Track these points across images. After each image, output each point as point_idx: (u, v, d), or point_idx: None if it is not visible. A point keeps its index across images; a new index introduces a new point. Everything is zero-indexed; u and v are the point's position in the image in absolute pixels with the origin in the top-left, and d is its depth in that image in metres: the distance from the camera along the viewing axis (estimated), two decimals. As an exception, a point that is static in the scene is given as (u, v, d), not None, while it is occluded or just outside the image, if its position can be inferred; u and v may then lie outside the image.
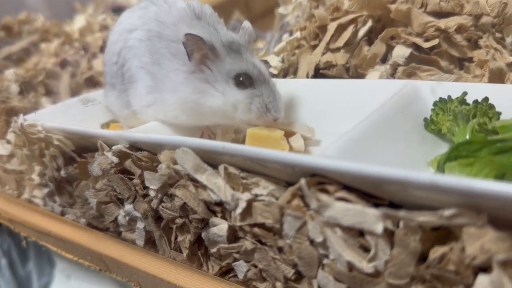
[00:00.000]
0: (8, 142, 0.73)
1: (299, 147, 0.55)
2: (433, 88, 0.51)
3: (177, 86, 0.57)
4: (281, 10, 0.86)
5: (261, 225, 0.41)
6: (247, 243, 0.42)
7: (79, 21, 1.16)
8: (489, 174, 0.35)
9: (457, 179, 0.30)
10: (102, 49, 0.99)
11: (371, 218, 0.33)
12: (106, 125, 0.68)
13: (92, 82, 0.93)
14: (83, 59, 0.98)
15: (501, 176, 0.35)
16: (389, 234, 0.34)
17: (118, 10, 0.73)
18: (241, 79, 0.54)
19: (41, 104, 0.85)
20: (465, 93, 0.47)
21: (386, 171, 0.32)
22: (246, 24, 0.60)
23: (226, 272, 0.48)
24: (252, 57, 0.57)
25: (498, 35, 0.59)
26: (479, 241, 0.31)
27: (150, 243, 0.54)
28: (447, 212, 0.31)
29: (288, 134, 0.55)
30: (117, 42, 0.64)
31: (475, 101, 0.46)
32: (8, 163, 0.74)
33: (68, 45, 1.06)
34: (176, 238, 0.49)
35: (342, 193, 0.35)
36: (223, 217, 0.44)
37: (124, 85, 0.63)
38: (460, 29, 0.57)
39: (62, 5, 1.77)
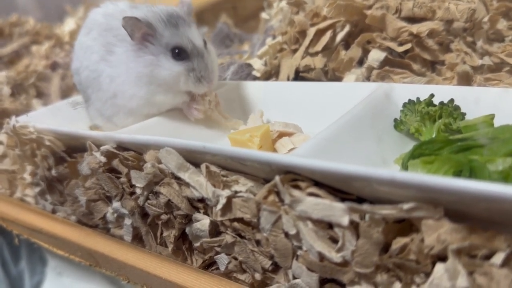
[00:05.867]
0: (1, 143, 0.75)
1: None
2: (404, 90, 0.54)
3: (129, 64, 0.61)
4: (264, 15, 0.89)
5: (240, 220, 0.43)
6: (228, 237, 0.45)
7: (69, 24, 1.18)
8: (448, 171, 0.38)
9: (413, 175, 0.33)
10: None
11: (338, 212, 0.36)
12: (94, 127, 0.70)
13: (82, 85, 0.95)
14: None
15: (458, 172, 0.38)
16: (355, 226, 0.36)
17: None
18: (177, 51, 0.59)
19: (32, 106, 0.87)
20: (432, 95, 0.50)
21: (349, 168, 0.35)
22: None
23: (209, 265, 0.50)
24: (189, 30, 0.61)
25: (469, 39, 0.62)
26: (436, 232, 0.33)
27: (137, 239, 0.56)
28: (406, 206, 0.34)
29: (282, 135, 0.58)
30: (77, 50, 0.69)
31: (441, 103, 0.49)
32: (1, 163, 0.75)
33: (58, 48, 1.07)
34: (161, 233, 0.51)
35: (313, 189, 0.38)
36: (205, 213, 0.47)
37: (90, 88, 0.66)
38: (432, 33, 0.60)
39: (53, 7, 1.77)
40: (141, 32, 0.59)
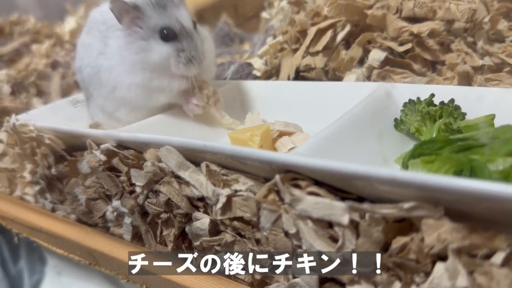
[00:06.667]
0: (1, 141, 0.75)
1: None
2: (404, 90, 0.54)
3: (122, 53, 0.61)
4: (264, 14, 0.89)
5: (240, 219, 0.43)
6: (228, 236, 0.45)
7: (70, 23, 1.18)
8: (449, 171, 0.38)
9: (414, 174, 0.33)
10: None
11: (338, 211, 0.36)
12: (94, 125, 0.70)
13: (82, 83, 0.95)
14: (73, 61, 1.00)
15: (459, 172, 0.38)
16: (355, 226, 0.36)
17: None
18: (165, 32, 0.58)
19: (33, 105, 0.87)
20: (432, 95, 0.50)
21: (350, 167, 0.35)
22: None
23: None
24: (177, 11, 0.60)
25: (470, 39, 0.62)
26: (436, 231, 0.33)
27: (137, 238, 0.56)
28: (407, 205, 0.34)
29: (282, 134, 0.58)
30: (79, 48, 0.69)
31: (441, 103, 0.49)
32: (0, 161, 0.76)
33: (59, 47, 1.08)
34: (161, 232, 0.51)
35: (313, 188, 0.38)
36: (205, 212, 0.47)
37: (92, 85, 0.66)
38: (432, 33, 0.60)
39: (53, 6, 1.77)
40: (129, 15, 0.59)
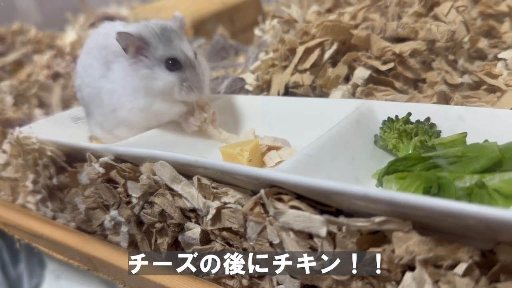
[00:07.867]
0: (4, 151, 0.77)
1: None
2: (384, 107, 0.57)
3: (126, 78, 0.63)
4: (257, 31, 0.92)
5: (229, 229, 0.47)
6: (217, 245, 0.48)
7: (70, 35, 1.20)
8: (419, 187, 0.41)
9: (384, 192, 0.36)
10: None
11: (317, 224, 0.39)
12: (93, 138, 0.73)
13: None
14: (74, 72, 1.02)
15: (428, 188, 0.41)
16: (333, 237, 0.39)
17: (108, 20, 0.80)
18: (170, 62, 0.62)
19: (34, 116, 0.89)
20: (409, 114, 0.53)
21: (327, 184, 0.38)
22: (178, 14, 0.67)
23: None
24: (181, 43, 0.63)
25: (451, 57, 0.64)
26: (405, 244, 0.36)
27: (133, 245, 0.58)
28: (378, 219, 0.37)
29: (270, 149, 0.61)
30: (79, 68, 0.72)
31: (417, 121, 0.52)
32: (4, 171, 0.78)
33: (60, 58, 1.10)
34: (156, 240, 0.54)
35: (294, 202, 0.41)
36: (197, 222, 0.50)
37: (92, 104, 0.69)
38: (414, 53, 0.62)
39: (54, 12, 1.79)
40: (134, 46, 0.62)
